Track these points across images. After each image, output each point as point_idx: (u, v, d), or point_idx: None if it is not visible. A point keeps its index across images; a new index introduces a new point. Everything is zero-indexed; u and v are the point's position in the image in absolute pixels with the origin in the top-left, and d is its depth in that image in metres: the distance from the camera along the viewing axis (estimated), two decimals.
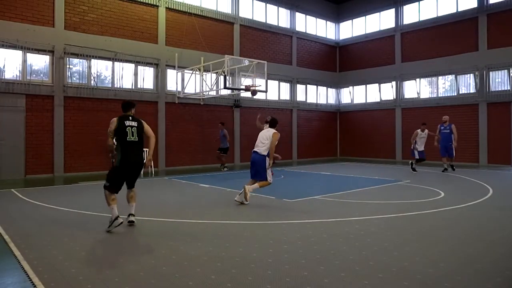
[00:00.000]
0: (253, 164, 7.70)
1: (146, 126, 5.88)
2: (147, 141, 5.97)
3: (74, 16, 13.23)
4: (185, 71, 15.36)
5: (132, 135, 5.61)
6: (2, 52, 11.96)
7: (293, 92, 20.12)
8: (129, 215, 5.79)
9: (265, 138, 7.63)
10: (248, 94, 17.17)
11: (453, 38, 17.71)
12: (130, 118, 5.74)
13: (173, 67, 15.35)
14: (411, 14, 19.49)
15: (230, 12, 17.53)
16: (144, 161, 6.09)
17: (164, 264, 4.06)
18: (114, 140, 5.72)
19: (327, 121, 22.01)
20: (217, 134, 15.16)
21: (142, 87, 14.77)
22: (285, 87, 20.02)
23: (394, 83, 19.81)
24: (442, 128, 13.26)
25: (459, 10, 17.66)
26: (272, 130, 7.68)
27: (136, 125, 5.72)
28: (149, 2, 14.86)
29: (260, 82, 13.77)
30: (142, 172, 13.22)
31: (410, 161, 13.71)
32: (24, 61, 12.34)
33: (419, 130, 13.20)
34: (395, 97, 19.83)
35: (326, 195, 8.50)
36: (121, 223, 5.39)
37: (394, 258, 4.24)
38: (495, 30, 16.49)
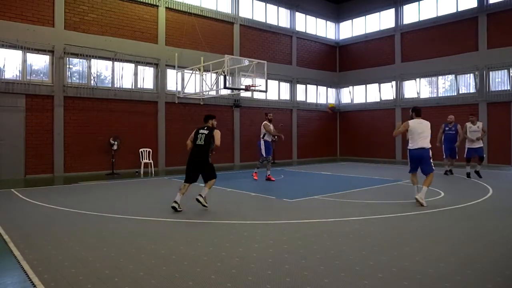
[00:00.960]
0: (422, 161, 7.42)
1: (216, 135, 7.08)
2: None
3: (74, 16, 13.22)
4: (185, 71, 15.35)
5: (200, 140, 7.00)
6: (2, 52, 11.95)
7: (293, 92, 20.11)
8: (199, 194, 6.98)
9: (424, 130, 7.45)
10: (248, 94, 17.22)
11: (453, 38, 17.72)
12: (205, 128, 7.18)
13: (173, 67, 15.33)
14: (411, 14, 19.49)
15: (230, 12, 17.53)
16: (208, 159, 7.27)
17: (164, 264, 4.06)
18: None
19: (327, 121, 22.01)
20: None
21: (142, 87, 14.76)
22: (285, 87, 20.01)
23: (394, 83, 19.81)
24: (447, 128, 12.34)
25: (459, 10, 17.66)
26: (425, 121, 7.54)
27: (206, 133, 7.04)
28: (149, 2, 14.85)
29: (260, 82, 13.76)
30: (142, 172, 13.32)
31: (471, 170, 11.53)
32: (24, 61, 12.34)
33: (468, 123, 11.63)
34: (395, 97, 19.83)
35: (326, 195, 8.50)
36: (173, 207, 6.77)
37: (394, 258, 4.24)
38: (495, 30, 16.49)
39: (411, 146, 7.55)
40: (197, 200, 6.95)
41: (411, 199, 8.01)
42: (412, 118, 7.64)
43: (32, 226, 5.81)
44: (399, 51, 19.71)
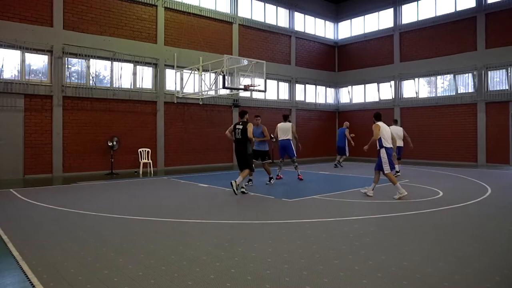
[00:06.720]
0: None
1: (249, 128, 8.55)
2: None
3: (73, 15, 13.20)
4: (184, 71, 15.35)
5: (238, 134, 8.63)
6: (1, 52, 11.92)
7: (292, 91, 20.12)
8: (234, 180, 8.42)
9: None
10: (247, 94, 17.23)
11: (451, 38, 17.74)
12: (240, 123, 8.75)
13: (172, 66, 15.34)
14: (409, 14, 19.51)
15: (229, 12, 17.52)
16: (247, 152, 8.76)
17: (163, 264, 4.06)
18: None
19: (326, 121, 22.01)
20: (213, 135, 15.04)
21: (141, 86, 14.74)
22: (284, 86, 20.01)
23: (392, 82, 19.83)
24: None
25: (457, 9, 17.69)
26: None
27: (241, 128, 8.59)
28: (148, 2, 14.83)
29: (259, 82, 13.77)
30: (141, 172, 13.32)
31: None
32: (23, 61, 12.31)
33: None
34: (393, 97, 19.84)
35: (325, 195, 8.51)
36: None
37: (393, 257, 4.25)
38: (493, 29, 16.52)
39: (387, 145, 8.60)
40: (231, 183, 8.41)
41: (410, 198, 8.02)
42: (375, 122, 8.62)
43: (31, 226, 5.81)
44: (397, 50, 19.72)
